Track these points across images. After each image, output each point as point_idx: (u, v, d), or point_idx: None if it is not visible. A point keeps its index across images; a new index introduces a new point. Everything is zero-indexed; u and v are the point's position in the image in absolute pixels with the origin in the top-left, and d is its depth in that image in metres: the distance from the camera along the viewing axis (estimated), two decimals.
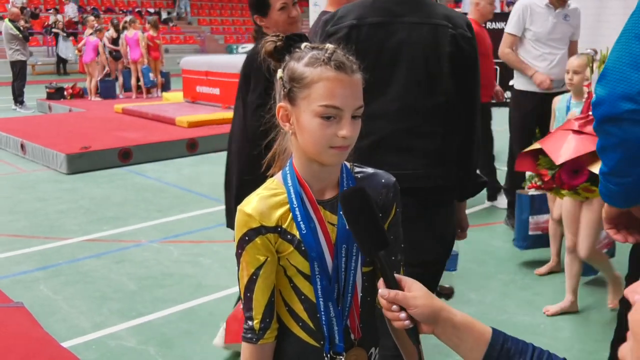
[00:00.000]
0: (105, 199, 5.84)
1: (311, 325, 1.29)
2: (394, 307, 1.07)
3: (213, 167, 7.20)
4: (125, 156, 7.26)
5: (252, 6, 2.63)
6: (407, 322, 1.05)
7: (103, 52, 12.54)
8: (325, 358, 1.29)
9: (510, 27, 4.51)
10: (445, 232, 2.10)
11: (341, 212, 1.22)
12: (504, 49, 4.56)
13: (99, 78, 12.36)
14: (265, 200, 1.26)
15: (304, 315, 1.30)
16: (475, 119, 2.06)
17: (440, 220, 2.07)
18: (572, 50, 4.41)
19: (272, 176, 1.34)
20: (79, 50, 13.32)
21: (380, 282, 1.10)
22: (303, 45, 1.25)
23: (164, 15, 26.09)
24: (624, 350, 0.70)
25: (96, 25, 12.85)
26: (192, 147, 7.86)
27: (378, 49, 1.93)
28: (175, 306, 3.55)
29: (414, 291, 1.06)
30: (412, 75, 1.94)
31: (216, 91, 10.34)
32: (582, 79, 3.63)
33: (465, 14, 4.67)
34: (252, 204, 1.26)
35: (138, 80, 12.44)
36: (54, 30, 19.28)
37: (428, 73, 1.94)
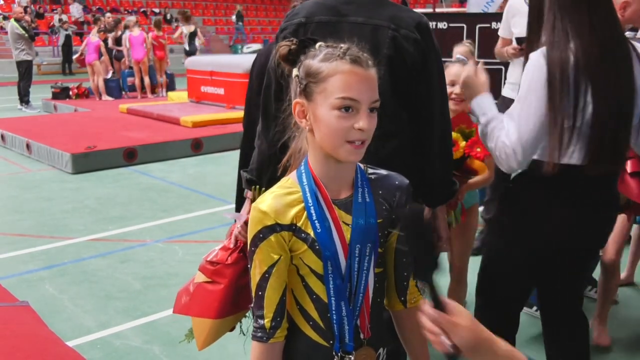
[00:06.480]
0: (110, 199, 5.84)
1: (321, 324, 1.29)
2: (437, 329, 1.03)
3: (218, 167, 7.21)
4: (130, 156, 7.28)
5: None
6: (450, 349, 1.02)
7: (106, 53, 12.54)
8: (335, 357, 1.29)
9: (500, 29, 4.10)
10: None
11: (354, 214, 1.24)
12: (496, 48, 4.08)
13: (107, 77, 12.39)
14: (280, 199, 1.26)
15: (314, 314, 1.29)
16: (428, 125, 1.93)
17: None
18: None
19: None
20: (81, 54, 13.34)
21: (425, 302, 1.06)
22: (317, 44, 1.26)
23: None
24: None
25: (101, 26, 12.87)
26: (196, 147, 7.87)
27: None
28: None
29: (461, 319, 1.03)
30: None
31: (221, 91, 10.35)
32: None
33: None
34: (266, 202, 1.26)
35: (142, 80, 12.45)
36: (67, 33, 19.24)
37: None
